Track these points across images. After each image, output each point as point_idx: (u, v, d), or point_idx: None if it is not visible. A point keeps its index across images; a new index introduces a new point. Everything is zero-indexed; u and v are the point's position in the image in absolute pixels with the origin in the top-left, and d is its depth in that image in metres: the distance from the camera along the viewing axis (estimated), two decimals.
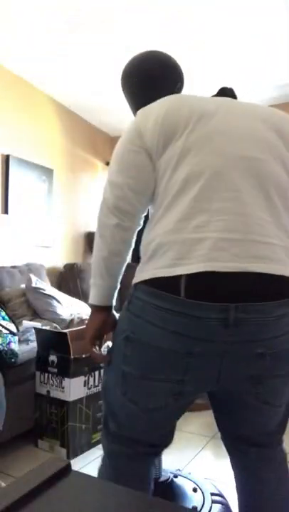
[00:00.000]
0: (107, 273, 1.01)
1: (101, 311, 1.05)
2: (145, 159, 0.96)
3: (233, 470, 1.08)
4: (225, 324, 0.82)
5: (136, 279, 0.94)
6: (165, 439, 1.04)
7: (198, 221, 0.86)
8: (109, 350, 1.03)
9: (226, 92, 1.09)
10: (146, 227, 1.00)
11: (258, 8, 2.33)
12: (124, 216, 0.97)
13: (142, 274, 0.92)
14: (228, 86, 1.12)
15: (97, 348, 1.11)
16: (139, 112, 1.01)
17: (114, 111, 3.64)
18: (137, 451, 1.00)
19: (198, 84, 3.00)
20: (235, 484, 1.08)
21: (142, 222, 1.03)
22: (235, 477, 1.07)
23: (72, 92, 3.41)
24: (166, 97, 1.01)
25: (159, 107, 0.98)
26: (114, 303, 1.07)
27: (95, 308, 1.05)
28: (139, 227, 1.03)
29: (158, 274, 0.86)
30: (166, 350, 0.87)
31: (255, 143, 0.93)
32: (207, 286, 0.82)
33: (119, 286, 1.07)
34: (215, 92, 1.12)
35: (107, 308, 1.06)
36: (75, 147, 3.82)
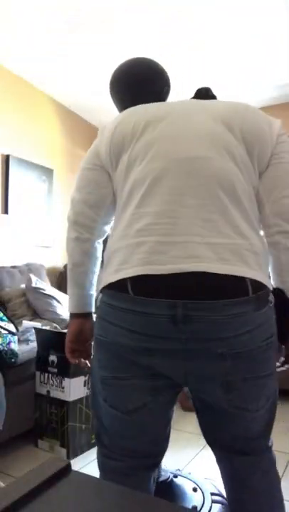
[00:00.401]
0: (74, 283, 1.09)
1: (76, 317, 1.11)
2: (100, 175, 1.03)
3: (222, 479, 1.05)
4: (174, 321, 0.83)
5: (98, 286, 1.00)
6: (158, 447, 1.01)
7: (139, 226, 0.90)
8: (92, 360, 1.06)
9: (200, 94, 1.10)
10: None
11: (257, 8, 2.33)
12: (82, 229, 1.05)
13: (100, 284, 0.98)
14: (206, 86, 1.13)
15: (84, 356, 1.17)
16: (100, 128, 1.07)
17: (114, 111, 3.63)
18: (133, 465, 0.98)
19: (198, 84, 3.00)
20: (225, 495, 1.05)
21: (104, 234, 1.10)
22: (225, 487, 1.04)
23: (72, 92, 3.41)
24: (122, 112, 1.06)
25: (112, 124, 1.03)
26: (91, 309, 1.13)
27: (72, 316, 1.12)
28: (102, 238, 1.10)
29: (109, 280, 0.92)
30: (127, 347, 0.89)
31: (200, 141, 0.93)
32: (150, 286, 0.85)
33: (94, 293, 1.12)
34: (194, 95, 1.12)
35: (83, 315, 1.12)
36: (75, 147, 3.82)
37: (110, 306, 0.91)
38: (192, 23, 2.48)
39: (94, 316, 1.09)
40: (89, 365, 1.15)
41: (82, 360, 1.16)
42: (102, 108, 3.67)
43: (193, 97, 1.10)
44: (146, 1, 2.27)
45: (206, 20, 2.44)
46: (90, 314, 1.13)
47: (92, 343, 1.06)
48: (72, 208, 1.06)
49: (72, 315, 1.12)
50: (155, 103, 1.05)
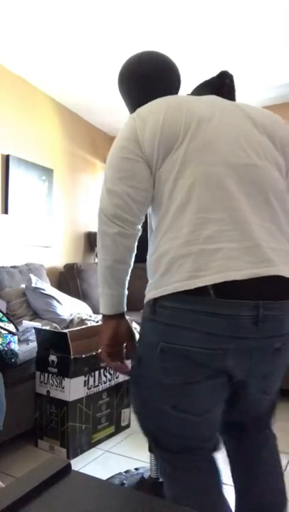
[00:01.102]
0: (114, 281, 1.02)
1: (113, 319, 1.04)
2: (145, 169, 0.96)
3: (230, 462, 1.11)
4: (255, 321, 0.86)
5: (154, 294, 0.93)
6: (217, 430, 1.04)
7: (208, 232, 0.88)
8: (136, 365, 1.01)
9: (225, 79, 1.10)
10: (151, 237, 1.02)
11: (257, 8, 2.33)
12: (124, 224, 0.96)
13: (160, 290, 0.92)
14: (229, 73, 1.12)
15: (120, 358, 1.09)
16: (136, 116, 1.00)
17: (114, 111, 3.64)
18: (203, 455, 0.99)
19: (196, 83, 3.00)
20: (233, 477, 1.10)
21: (141, 228, 1.04)
22: (233, 468, 1.10)
23: (72, 92, 3.41)
24: (162, 100, 1.00)
25: (156, 113, 0.96)
26: (125, 309, 1.08)
27: (107, 318, 1.04)
28: (140, 233, 1.04)
29: (179, 288, 0.88)
30: (201, 351, 0.89)
31: (252, 149, 0.96)
32: (231, 290, 0.86)
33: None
34: (215, 75, 1.11)
35: (119, 316, 1.05)
36: (75, 147, 3.82)
37: (184, 310, 0.88)
38: (192, 23, 2.48)
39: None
40: (129, 367, 1.08)
41: (119, 363, 1.09)
42: (102, 108, 3.68)
43: (218, 84, 1.10)
44: (147, 1, 2.28)
45: (205, 20, 2.44)
46: (124, 314, 1.08)
47: (140, 350, 1.01)
48: (111, 200, 0.96)
49: (109, 316, 1.04)
50: (191, 97, 1.03)
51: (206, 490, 0.97)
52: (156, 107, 0.98)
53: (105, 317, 1.04)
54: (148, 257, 1.02)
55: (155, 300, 0.93)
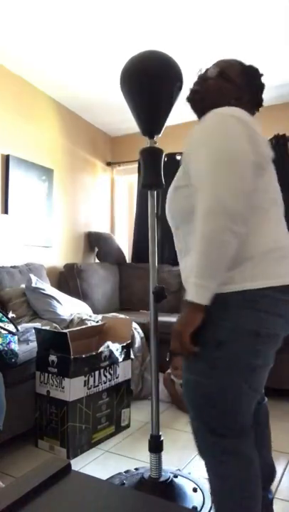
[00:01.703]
0: (219, 274, 1.01)
1: (203, 310, 1.03)
2: (261, 175, 1.04)
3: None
4: None
5: (260, 285, 1.02)
6: None
7: None
8: (213, 348, 1.03)
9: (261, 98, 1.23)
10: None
11: (257, 8, 2.33)
12: (242, 225, 0.99)
13: (267, 281, 1.02)
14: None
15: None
16: (241, 120, 1.03)
17: (114, 111, 3.64)
18: (253, 444, 1.09)
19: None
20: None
21: None
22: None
23: (72, 92, 3.41)
24: (249, 117, 1.05)
25: (254, 128, 1.04)
26: None
27: (198, 307, 1.02)
28: None
29: (287, 282, 1.02)
30: (280, 337, 1.07)
31: None
32: None
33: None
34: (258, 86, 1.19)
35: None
36: (75, 147, 3.82)
37: (283, 301, 1.02)
38: (192, 23, 2.48)
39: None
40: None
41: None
42: (102, 108, 3.68)
43: (256, 103, 1.21)
44: (147, 1, 2.28)
45: (205, 20, 2.44)
46: None
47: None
48: (240, 200, 0.97)
49: (201, 306, 1.01)
50: (256, 123, 1.10)
51: (258, 476, 1.05)
52: (246, 119, 1.04)
53: (198, 307, 1.01)
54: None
55: (256, 290, 1.01)
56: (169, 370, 2.68)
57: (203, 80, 1.16)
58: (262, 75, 1.21)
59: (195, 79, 1.18)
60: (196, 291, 1.00)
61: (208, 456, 1.09)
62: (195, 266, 1.01)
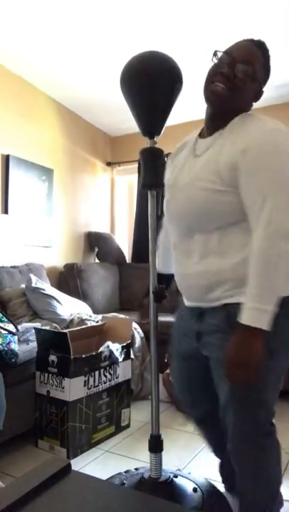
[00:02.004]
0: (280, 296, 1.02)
1: (264, 335, 1.00)
2: None
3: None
4: None
5: None
6: None
7: None
8: (268, 357, 1.05)
9: None
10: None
11: (257, 8, 2.33)
12: None
13: None
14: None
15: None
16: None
17: (114, 111, 3.64)
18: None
19: (198, 84, 3.00)
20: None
21: None
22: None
23: (72, 92, 3.41)
24: None
25: None
26: None
27: (263, 333, 0.99)
28: None
29: None
30: None
31: None
32: None
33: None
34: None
35: None
36: (75, 147, 3.82)
37: None
38: (192, 23, 2.48)
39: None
40: None
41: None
42: (102, 108, 3.68)
43: None
44: (147, 1, 2.28)
45: (205, 20, 2.44)
46: None
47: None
48: None
49: (262, 332, 0.98)
50: None
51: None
52: None
53: (263, 333, 0.99)
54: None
55: None
56: (168, 371, 2.68)
57: (234, 76, 1.08)
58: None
59: (223, 69, 1.08)
60: (258, 317, 0.98)
61: (252, 447, 1.17)
62: (255, 289, 0.99)
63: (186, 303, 1.26)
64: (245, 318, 0.99)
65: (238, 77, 1.07)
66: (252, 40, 1.15)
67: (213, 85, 1.08)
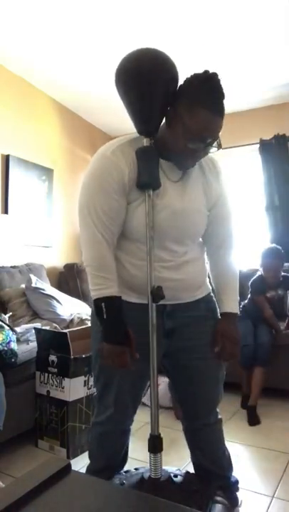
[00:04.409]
0: None
1: None
2: None
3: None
4: None
5: None
6: None
7: None
8: None
9: None
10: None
11: (257, 8, 2.33)
12: None
13: None
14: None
15: None
16: None
17: (114, 111, 3.63)
18: None
19: None
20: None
21: None
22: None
23: (72, 92, 3.41)
24: None
25: None
26: None
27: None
28: None
29: None
30: None
31: None
32: None
33: None
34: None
35: None
36: (75, 147, 3.82)
37: None
38: (192, 23, 2.48)
39: None
40: None
41: None
42: (102, 108, 3.68)
43: None
44: (147, 1, 2.28)
45: (205, 20, 2.45)
46: None
47: None
48: None
49: None
50: None
51: None
52: None
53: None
54: None
55: None
56: None
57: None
58: None
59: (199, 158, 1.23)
60: (238, 306, 1.37)
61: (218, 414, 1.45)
62: (235, 285, 1.37)
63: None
64: (235, 308, 1.35)
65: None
66: (220, 113, 1.15)
67: (189, 162, 1.22)
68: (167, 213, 1.23)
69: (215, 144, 1.17)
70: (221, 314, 1.35)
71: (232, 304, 1.35)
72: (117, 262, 1.24)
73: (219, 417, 1.44)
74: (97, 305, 1.18)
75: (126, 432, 1.44)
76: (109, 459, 1.42)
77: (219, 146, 1.20)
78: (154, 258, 1.25)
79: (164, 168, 1.24)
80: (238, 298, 1.37)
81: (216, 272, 1.39)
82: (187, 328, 1.32)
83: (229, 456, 1.48)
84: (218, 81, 1.12)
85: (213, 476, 1.43)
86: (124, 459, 1.48)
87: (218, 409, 1.43)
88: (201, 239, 1.37)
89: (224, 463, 1.47)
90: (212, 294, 1.38)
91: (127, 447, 1.48)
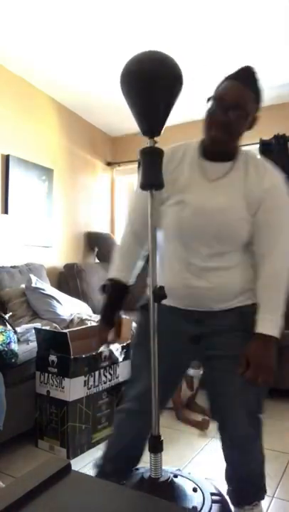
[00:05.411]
0: None
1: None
2: None
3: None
4: None
5: None
6: None
7: None
8: None
9: None
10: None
11: (257, 8, 2.33)
12: None
13: None
14: None
15: None
16: None
17: (114, 111, 3.63)
18: None
19: (198, 84, 3.00)
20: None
21: None
22: None
23: (72, 92, 3.41)
24: None
25: None
26: None
27: (276, 340, 1.20)
28: None
29: None
30: None
31: None
32: None
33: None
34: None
35: None
36: (75, 147, 3.82)
37: None
38: (192, 23, 2.48)
39: None
40: None
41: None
42: (102, 108, 3.67)
43: None
44: (147, 1, 2.28)
45: (206, 20, 2.44)
46: None
47: None
48: None
49: (277, 339, 1.21)
50: None
51: None
52: None
53: (275, 340, 1.19)
54: None
55: None
56: None
57: (228, 123, 1.19)
58: None
59: (218, 117, 1.19)
60: (276, 328, 1.19)
61: (259, 431, 1.29)
62: (272, 304, 1.21)
63: (179, 305, 1.32)
64: (267, 328, 1.18)
65: (231, 122, 1.18)
66: (239, 79, 1.22)
67: (212, 132, 1.20)
68: (190, 211, 1.23)
69: (239, 112, 1.17)
70: (252, 334, 1.20)
71: (267, 324, 1.18)
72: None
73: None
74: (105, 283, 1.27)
75: (141, 430, 1.39)
76: (121, 450, 1.43)
77: (250, 124, 1.21)
78: (182, 261, 1.28)
79: (205, 166, 1.27)
80: (281, 318, 1.18)
81: (257, 284, 1.25)
82: (218, 337, 1.27)
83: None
84: (246, 66, 1.23)
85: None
86: (135, 458, 1.46)
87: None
88: (248, 246, 1.27)
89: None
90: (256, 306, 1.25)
91: (142, 448, 1.44)
